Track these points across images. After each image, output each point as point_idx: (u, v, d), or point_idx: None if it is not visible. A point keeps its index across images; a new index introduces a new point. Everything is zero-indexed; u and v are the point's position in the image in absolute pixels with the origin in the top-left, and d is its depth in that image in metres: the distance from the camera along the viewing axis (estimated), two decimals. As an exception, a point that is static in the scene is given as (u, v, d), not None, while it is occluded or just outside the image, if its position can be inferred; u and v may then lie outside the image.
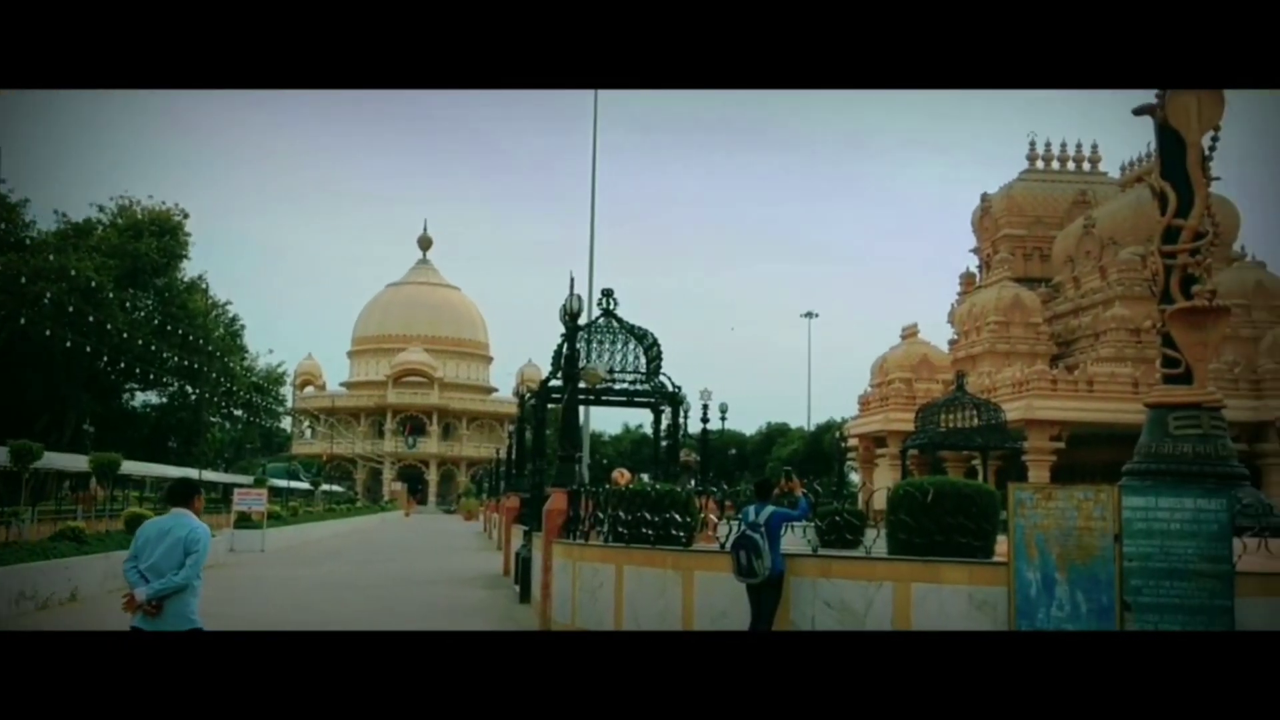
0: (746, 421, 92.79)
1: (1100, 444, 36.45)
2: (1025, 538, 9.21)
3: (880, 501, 12.36)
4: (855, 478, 54.26)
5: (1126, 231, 43.22)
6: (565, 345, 18.10)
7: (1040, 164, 53.60)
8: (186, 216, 54.46)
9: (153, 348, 45.63)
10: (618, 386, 21.42)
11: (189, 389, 53.38)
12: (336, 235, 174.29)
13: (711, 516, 15.66)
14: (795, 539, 12.31)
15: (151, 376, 49.88)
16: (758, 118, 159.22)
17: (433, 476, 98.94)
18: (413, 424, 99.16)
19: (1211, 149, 14.92)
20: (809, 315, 78.92)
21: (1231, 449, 15.20)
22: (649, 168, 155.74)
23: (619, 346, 21.54)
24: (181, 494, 7.02)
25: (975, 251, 55.14)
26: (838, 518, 14.21)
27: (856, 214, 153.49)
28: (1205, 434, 14.69)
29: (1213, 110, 14.69)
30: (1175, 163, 14.99)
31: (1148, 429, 15.17)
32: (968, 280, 53.93)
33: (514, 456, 35.77)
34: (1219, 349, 33.34)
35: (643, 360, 21.60)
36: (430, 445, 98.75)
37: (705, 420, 33.15)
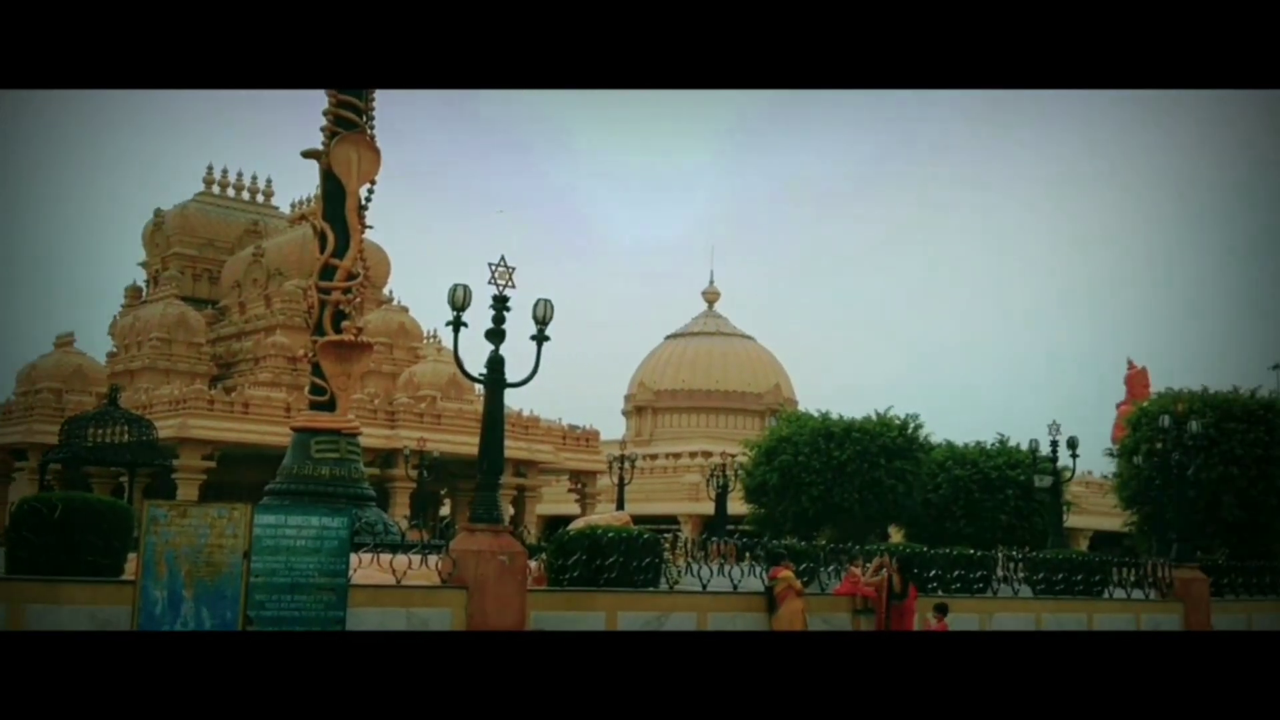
0: None
1: (252, 464, 37.30)
2: (156, 555, 9.20)
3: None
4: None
5: (292, 264, 45.16)
6: None
7: (216, 189, 53.71)
8: None
9: None
10: None
11: None
12: None
13: None
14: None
15: None
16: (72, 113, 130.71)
17: None
18: None
19: (368, 199, 16.40)
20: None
21: (364, 472, 16.73)
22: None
23: None
24: None
25: (144, 266, 53.27)
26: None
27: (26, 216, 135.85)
28: (342, 458, 15.97)
29: (371, 165, 16.18)
30: (336, 207, 16.19)
31: (291, 451, 16.04)
32: (133, 294, 51.97)
33: None
34: (362, 381, 36.46)
35: None
36: None
37: None
